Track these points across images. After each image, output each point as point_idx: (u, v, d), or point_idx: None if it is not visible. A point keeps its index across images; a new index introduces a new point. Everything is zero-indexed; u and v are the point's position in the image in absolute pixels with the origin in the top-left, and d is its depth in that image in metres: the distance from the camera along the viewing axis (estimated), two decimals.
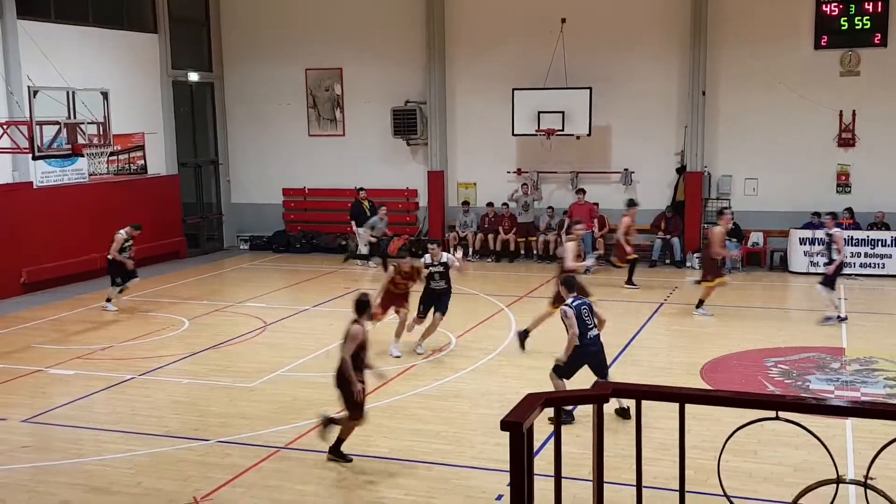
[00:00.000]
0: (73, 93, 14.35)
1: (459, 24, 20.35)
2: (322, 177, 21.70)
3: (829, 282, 13.41)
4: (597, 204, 19.34)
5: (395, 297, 11.81)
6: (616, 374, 10.66)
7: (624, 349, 12.00)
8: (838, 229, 13.74)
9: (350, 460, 8.14)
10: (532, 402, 3.68)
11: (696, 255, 18.06)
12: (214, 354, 12.14)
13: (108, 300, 15.03)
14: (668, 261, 19.02)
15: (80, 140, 17.60)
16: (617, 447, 7.33)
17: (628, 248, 16.54)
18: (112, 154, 18.92)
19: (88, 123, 14.49)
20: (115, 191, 18.69)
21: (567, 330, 8.94)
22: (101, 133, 16.32)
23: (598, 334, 9.11)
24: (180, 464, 8.24)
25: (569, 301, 9.08)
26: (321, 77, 21.59)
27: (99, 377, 11.04)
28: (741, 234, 18.40)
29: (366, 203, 19.65)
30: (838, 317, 13.34)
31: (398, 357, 11.66)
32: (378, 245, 18.56)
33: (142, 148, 19.75)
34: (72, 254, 17.35)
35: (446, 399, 10.02)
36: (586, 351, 8.95)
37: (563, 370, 8.98)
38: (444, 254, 12.07)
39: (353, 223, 19.62)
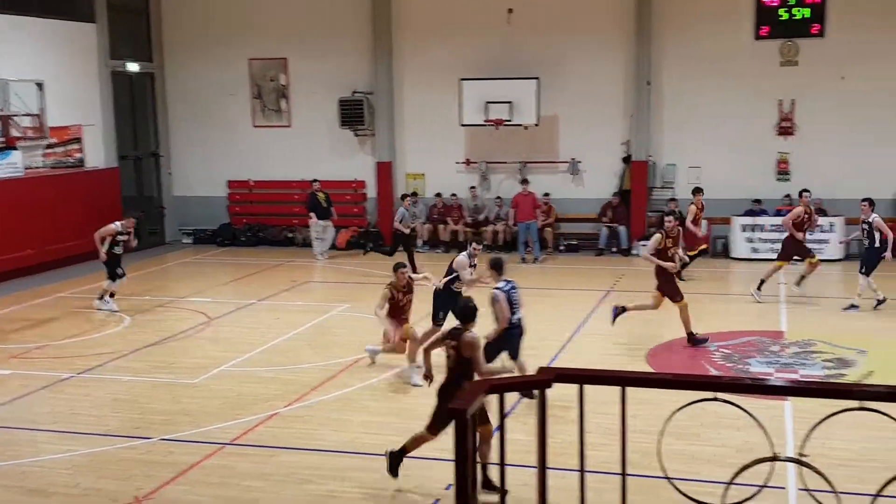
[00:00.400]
0: (6, 84, 13.95)
1: (406, 14, 20.22)
2: (268, 169, 21.42)
3: (869, 269, 13.41)
4: (547, 194, 19.44)
5: (397, 312, 10.35)
6: (563, 361, 10.73)
7: (571, 337, 12.07)
8: (877, 216, 13.71)
9: (397, 475, 7.40)
10: (476, 390, 3.65)
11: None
12: (156, 351, 11.90)
13: (101, 297, 14.23)
14: (614, 249, 19.19)
15: (14, 133, 17.15)
16: (565, 434, 7.36)
17: (699, 234, 16.16)
18: (48, 147, 18.49)
19: (23, 115, 14.09)
20: (51, 185, 18.18)
21: (496, 316, 8.93)
22: (37, 125, 15.91)
23: (522, 317, 9.16)
24: (121, 463, 8.04)
25: (500, 285, 9.05)
26: (265, 67, 21.28)
27: (36, 376, 10.73)
28: (684, 222, 18.61)
29: (321, 195, 19.36)
30: (878, 301, 13.35)
31: (420, 386, 9.55)
32: (408, 238, 17.30)
33: (79, 140, 19.25)
34: (6, 250, 16.81)
35: (396, 391, 9.96)
36: (512, 333, 9.01)
37: (486, 354, 8.93)
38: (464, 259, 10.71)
39: (312, 215, 19.27)
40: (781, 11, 18.26)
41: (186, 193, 22.04)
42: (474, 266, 10.65)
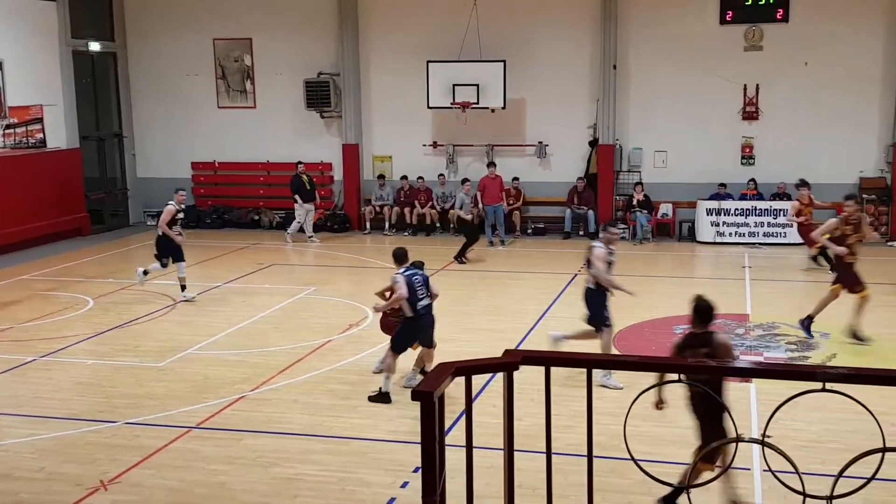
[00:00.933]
0: None
1: None
2: (233, 150, 21.20)
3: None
4: (516, 178, 19.47)
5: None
6: (530, 344, 10.79)
7: (539, 320, 12.13)
8: (796, 201, 13.73)
9: None
10: (443, 372, 3.65)
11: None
12: (121, 334, 11.76)
13: (146, 272, 13.65)
14: (581, 232, 19.29)
15: None
16: (535, 416, 7.41)
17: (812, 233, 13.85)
18: (8, 127, 18.14)
19: None
20: (12, 165, 17.86)
21: (391, 294, 8.99)
22: None
23: (430, 304, 9.11)
24: (87, 447, 7.95)
25: (400, 271, 9.04)
26: (230, 47, 21.01)
27: None
28: (651, 206, 18.79)
29: (304, 177, 19.13)
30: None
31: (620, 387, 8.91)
32: (472, 225, 17.14)
33: (40, 121, 18.91)
34: None
35: (364, 373, 9.95)
36: (420, 323, 8.98)
37: (397, 345, 9.02)
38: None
39: (296, 197, 19.04)
40: None
41: (150, 175, 21.74)
42: (613, 258, 9.57)
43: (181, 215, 13.77)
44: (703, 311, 6.21)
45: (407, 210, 19.85)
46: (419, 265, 9.34)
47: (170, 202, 13.53)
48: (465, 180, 18.15)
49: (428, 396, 3.41)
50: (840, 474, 3.78)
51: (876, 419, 3.89)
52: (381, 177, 20.26)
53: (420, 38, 19.69)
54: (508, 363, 3.66)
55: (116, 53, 21.33)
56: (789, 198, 18.22)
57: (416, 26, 19.80)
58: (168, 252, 13.49)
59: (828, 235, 11.03)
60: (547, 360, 3.94)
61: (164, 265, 13.59)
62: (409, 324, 8.99)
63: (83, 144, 20.30)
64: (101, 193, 20.91)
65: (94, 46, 20.65)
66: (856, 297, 10.76)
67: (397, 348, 9.02)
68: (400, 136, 20.36)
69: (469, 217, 17.33)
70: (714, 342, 6.04)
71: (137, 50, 21.43)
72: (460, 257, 16.34)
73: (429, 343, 9.17)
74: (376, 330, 11.59)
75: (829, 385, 3.52)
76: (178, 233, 13.58)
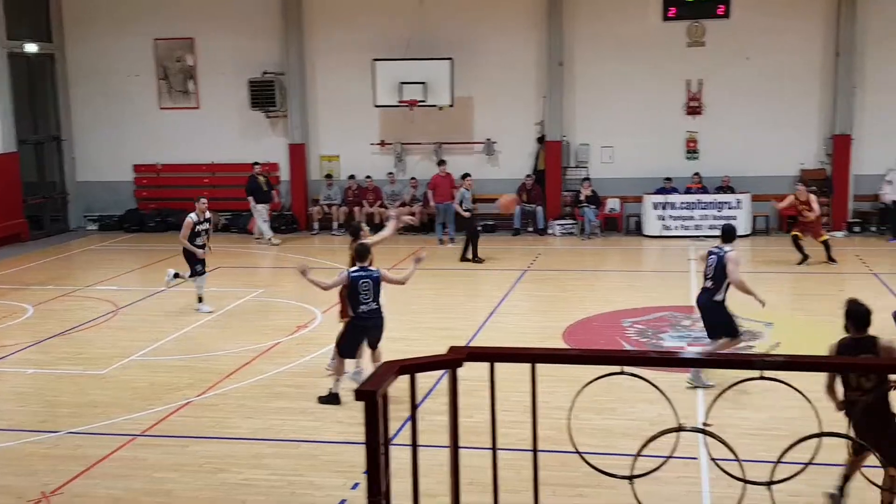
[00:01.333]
0: None
1: None
2: (176, 152, 20.83)
3: None
4: (468, 175, 19.23)
5: None
6: (480, 341, 10.78)
7: (489, 316, 12.13)
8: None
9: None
10: (387, 371, 3.60)
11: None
12: (62, 342, 11.45)
13: (177, 275, 12.56)
14: (530, 229, 19.37)
15: None
16: (485, 412, 7.39)
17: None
18: None
19: None
20: None
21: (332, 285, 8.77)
22: None
23: (377, 308, 8.72)
24: (28, 458, 7.73)
25: (352, 269, 8.71)
26: (171, 47, 20.64)
27: None
28: (598, 201, 18.93)
29: (261, 178, 18.82)
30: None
31: None
32: (470, 222, 16.84)
33: None
34: None
35: (312, 375, 9.83)
36: (363, 325, 8.70)
37: (342, 347, 8.81)
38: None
39: (250, 199, 18.66)
40: None
41: (91, 178, 21.26)
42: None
43: (205, 226, 12.54)
44: (858, 315, 5.83)
45: (356, 209, 19.71)
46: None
47: (191, 214, 12.45)
48: (465, 175, 17.64)
49: (371, 396, 3.36)
50: (778, 461, 3.82)
51: (812, 405, 3.93)
52: (329, 176, 20.09)
53: (366, 35, 19.55)
54: (453, 360, 3.62)
55: (54, 55, 20.80)
56: (733, 191, 18.53)
57: (361, 24, 19.66)
58: (194, 262, 12.47)
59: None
60: (492, 356, 3.91)
61: (196, 273, 12.48)
62: (352, 325, 8.82)
63: (21, 148, 19.77)
64: (39, 198, 20.38)
65: (31, 48, 20.12)
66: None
67: (343, 351, 8.87)
68: (347, 136, 20.21)
69: (468, 214, 16.94)
70: (878, 347, 5.66)
71: (76, 51, 20.93)
72: (475, 257, 16.04)
73: (373, 346, 8.91)
74: (324, 331, 11.51)
75: (766, 373, 3.55)
76: (202, 245, 12.44)
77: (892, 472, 5.56)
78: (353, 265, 8.84)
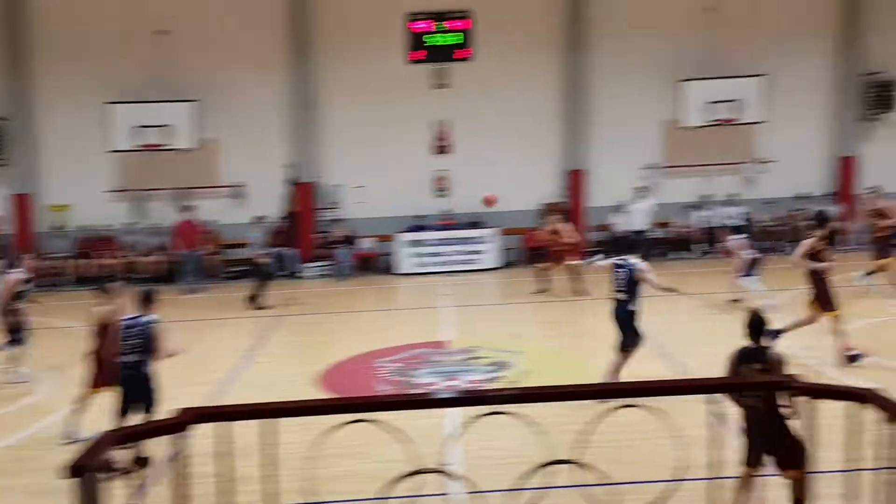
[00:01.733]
0: None
1: (44, 34, 18.50)
2: None
3: None
4: (209, 222, 18.57)
5: None
6: (236, 395, 10.26)
7: (244, 367, 11.63)
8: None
9: None
10: (105, 441, 3.21)
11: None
12: None
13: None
14: (283, 272, 18.96)
15: None
16: (239, 470, 6.96)
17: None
18: None
19: None
20: None
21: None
22: None
23: (139, 361, 7.80)
24: None
25: (135, 315, 8.03)
26: None
27: None
28: (352, 241, 18.96)
29: None
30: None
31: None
32: (265, 266, 16.07)
33: None
34: None
35: (42, 447, 8.82)
36: (122, 374, 7.89)
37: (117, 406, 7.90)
38: None
39: None
40: (429, 38, 19.15)
41: None
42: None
43: (28, 285, 11.45)
44: (753, 325, 6.16)
45: (92, 261, 18.28)
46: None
47: (14, 270, 11.30)
48: (260, 217, 17.03)
49: (84, 471, 2.96)
50: (510, 489, 3.87)
51: (544, 433, 4.04)
52: (59, 227, 18.51)
53: (99, 77, 18.40)
54: (176, 423, 3.30)
55: None
56: (484, 226, 19.22)
57: (94, 66, 18.49)
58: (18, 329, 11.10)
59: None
60: (226, 415, 3.63)
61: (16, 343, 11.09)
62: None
63: None
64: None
65: None
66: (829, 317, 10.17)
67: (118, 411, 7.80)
68: (79, 183, 18.79)
69: (263, 260, 16.22)
70: (768, 357, 6.03)
71: None
72: (260, 303, 15.35)
73: (130, 406, 7.76)
74: (55, 396, 10.44)
75: (498, 407, 3.58)
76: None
77: (791, 474, 5.64)
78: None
